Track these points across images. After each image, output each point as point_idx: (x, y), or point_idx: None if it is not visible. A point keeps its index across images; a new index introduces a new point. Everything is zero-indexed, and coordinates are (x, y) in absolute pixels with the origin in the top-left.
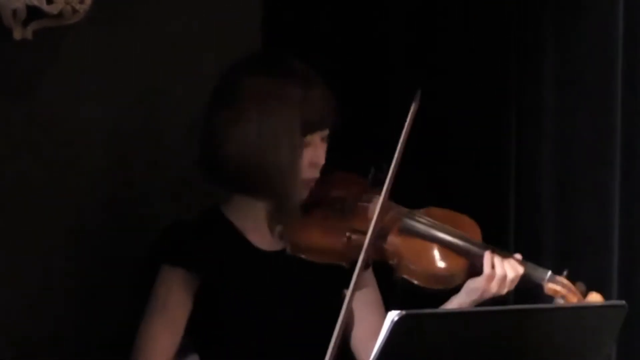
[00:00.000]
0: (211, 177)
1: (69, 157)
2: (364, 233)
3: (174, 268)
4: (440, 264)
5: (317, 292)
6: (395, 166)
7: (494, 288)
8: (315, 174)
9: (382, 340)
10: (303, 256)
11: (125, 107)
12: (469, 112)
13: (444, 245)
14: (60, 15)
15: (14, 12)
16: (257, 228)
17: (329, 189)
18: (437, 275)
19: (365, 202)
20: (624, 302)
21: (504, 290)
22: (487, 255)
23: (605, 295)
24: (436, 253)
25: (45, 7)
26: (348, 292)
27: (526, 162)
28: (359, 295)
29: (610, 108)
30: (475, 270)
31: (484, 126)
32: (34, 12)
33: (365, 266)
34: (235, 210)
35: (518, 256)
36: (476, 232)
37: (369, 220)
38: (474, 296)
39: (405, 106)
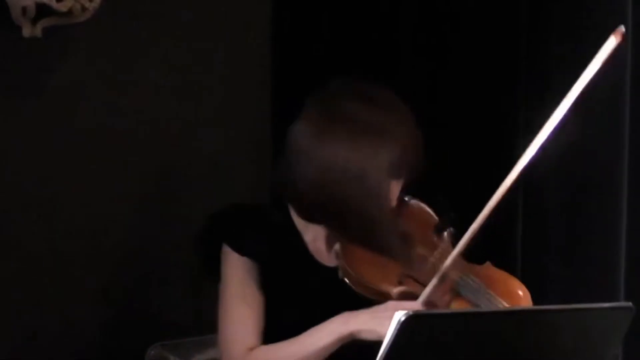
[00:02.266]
0: (284, 197)
1: (78, 154)
2: (418, 282)
3: (236, 253)
4: None
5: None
6: (476, 229)
7: None
8: None
9: (389, 341)
10: (351, 286)
11: (134, 104)
12: (476, 113)
13: None
14: (69, 13)
15: (24, 10)
16: (315, 240)
17: (397, 218)
18: None
19: (428, 248)
20: (630, 304)
21: None
22: None
23: (612, 297)
24: None
25: (54, 4)
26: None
27: (534, 164)
28: None
29: (619, 107)
30: None
31: (491, 126)
32: (43, 10)
33: None
34: (298, 217)
35: None
36: (523, 303)
37: (425, 271)
38: None
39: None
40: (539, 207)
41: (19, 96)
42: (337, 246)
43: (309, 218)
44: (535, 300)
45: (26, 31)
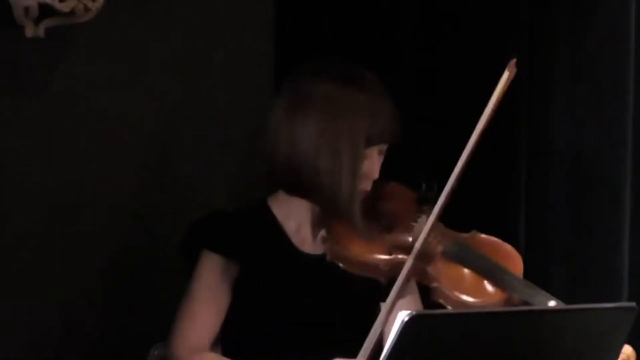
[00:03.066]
0: (268, 175)
1: (80, 155)
2: (407, 252)
3: (215, 255)
4: (477, 295)
5: (351, 302)
6: (447, 193)
7: None
8: (367, 186)
9: (392, 341)
10: (342, 265)
11: (138, 104)
12: (478, 113)
13: (483, 277)
14: (72, 13)
15: (26, 10)
16: (299, 229)
17: (378, 201)
18: (473, 306)
19: (413, 220)
20: (634, 304)
21: None
22: None
23: (616, 297)
24: (475, 284)
25: (57, 5)
26: (384, 309)
27: (537, 162)
28: (399, 304)
29: (622, 106)
30: (511, 303)
31: (493, 126)
32: (46, 10)
33: (405, 281)
34: (281, 207)
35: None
36: (517, 264)
37: (413, 239)
38: None
39: (414, 103)
40: (542, 206)
41: (22, 96)
42: (322, 232)
43: (294, 192)
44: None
45: (29, 31)
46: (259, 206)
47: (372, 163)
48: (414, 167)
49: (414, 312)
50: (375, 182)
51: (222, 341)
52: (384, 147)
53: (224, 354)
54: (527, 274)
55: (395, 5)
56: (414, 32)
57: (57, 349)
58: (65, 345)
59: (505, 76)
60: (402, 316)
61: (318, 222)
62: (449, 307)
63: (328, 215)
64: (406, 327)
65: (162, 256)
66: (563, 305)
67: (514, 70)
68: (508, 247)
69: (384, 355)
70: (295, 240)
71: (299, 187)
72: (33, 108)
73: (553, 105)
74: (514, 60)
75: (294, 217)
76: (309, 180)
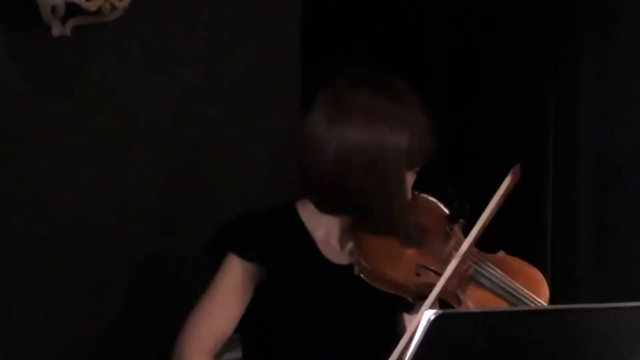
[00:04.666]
0: (302, 188)
1: (107, 154)
2: (435, 272)
3: (242, 259)
4: None
5: (374, 312)
6: (486, 218)
7: None
8: None
9: (418, 340)
10: (368, 281)
11: (165, 103)
12: (505, 114)
13: (510, 304)
14: (98, 12)
15: (53, 9)
16: (327, 237)
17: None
18: None
19: (444, 241)
20: None
21: None
22: None
23: None
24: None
25: (84, 4)
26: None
27: (563, 167)
28: None
29: None
30: None
31: (520, 128)
32: (72, 9)
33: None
34: (310, 214)
35: None
36: (544, 291)
37: (442, 260)
38: None
39: (440, 102)
40: (569, 213)
41: (48, 95)
42: (350, 244)
43: (328, 209)
44: (565, 301)
45: (55, 30)
46: (287, 210)
47: (408, 182)
48: (445, 181)
49: (440, 311)
50: None
51: (243, 344)
52: (419, 168)
53: (244, 353)
54: (554, 275)
55: (423, 8)
56: (442, 23)
57: (78, 349)
58: (79, 347)
59: (508, 181)
60: (428, 315)
61: (346, 233)
62: None
63: (357, 227)
64: (432, 326)
65: (185, 260)
66: (590, 304)
67: (518, 176)
68: (536, 272)
69: (410, 354)
70: (322, 248)
71: (331, 202)
72: (60, 107)
73: (580, 111)
74: (518, 165)
75: (323, 225)
76: (353, 196)
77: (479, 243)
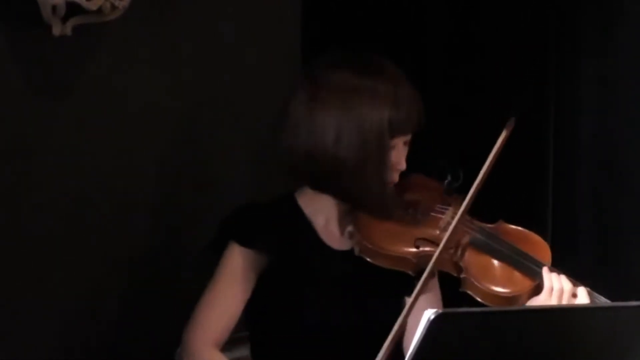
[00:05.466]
0: (290, 170)
1: (107, 153)
2: (434, 243)
3: (244, 248)
4: (507, 285)
5: (378, 296)
6: (477, 186)
7: (553, 302)
8: (395, 178)
9: (419, 339)
10: (369, 259)
11: (165, 102)
12: (505, 114)
13: (512, 266)
14: (99, 11)
15: (54, 8)
16: (327, 224)
17: (403, 192)
18: (502, 296)
19: (439, 212)
20: None
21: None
22: (546, 271)
23: None
24: (504, 273)
25: (84, 3)
26: (409, 301)
27: (563, 168)
28: (420, 300)
29: None
30: (539, 291)
31: (521, 127)
32: (73, 9)
33: (430, 275)
34: (309, 202)
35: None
36: (546, 253)
37: (440, 231)
38: None
39: (441, 102)
40: (569, 211)
41: (49, 95)
42: (349, 227)
43: (317, 187)
44: None
45: (56, 30)
46: (287, 200)
47: (399, 153)
48: (438, 156)
49: (440, 311)
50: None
51: (249, 333)
52: (409, 137)
53: (252, 346)
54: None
55: (423, 8)
56: (442, 23)
57: (82, 348)
58: (90, 346)
59: (503, 136)
60: (428, 314)
61: (345, 218)
62: (479, 299)
63: (355, 209)
64: (432, 325)
65: (186, 254)
66: (591, 303)
67: (510, 130)
68: (535, 236)
69: (411, 353)
70: (323, 235)
71: (321, 182)
72: (60, 106)
73: (580, 112)
74: (513, 119)
75: (322, 212)
76: (332, 174)
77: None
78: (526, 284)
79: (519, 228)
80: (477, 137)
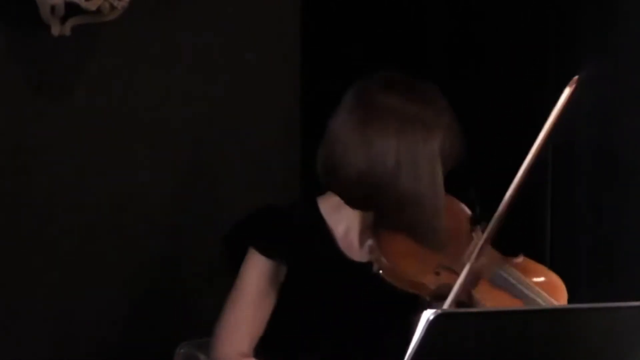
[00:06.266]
0: (333, 189)
1: (106, 153)
2: (455, 273)
3: (265, 257)
4: None
5: (391, 315)
6: (499, 218)
7: None
8: None
9: (418, 340)
10: (386, 278)
11: (165, 102)
12: (505, 113)
13: (526, 304)
14: (98, 11)
15: (53, 9)
16: (347, 234)
17: None
18: None
19: (465, 242)
20: None
21: None
22: None
23: None
24: None
25: (83, 3)
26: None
27: (562, 167)
28: None
29: None
30: None
31: (520, 126)
32: (72, 9)
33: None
34: (331, 210)
35: None
36: (562, 294)
37: (462, 262)
38: None
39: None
40: (568, 218)
41: (48, 95)
42: (370, 241)
43: (358, 206)
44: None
45: (55, 30)
46: (308, 206)
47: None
48: (468, 185)
49: (439, 311)
50: None
51: (260, 341)
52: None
53: (262, 352)
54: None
55: (423, 8)
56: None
57: (85, 348)
58: (91, 344)
59: (567, 94)
60: (428, 314)
61: (366, 230)
62: None
63: (379, 224)
64: (431, 326)
65: (186, 254)
66: (591, 304)
67: (574, 87)
68: (555, 276)
69: (409, 354)
70: (342, 244)
71: (372, 203)
72: (59, 107)
73: (579, 110)
74: (577, 77)
75: (344, 221)
76: (387, 196)
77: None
78: None
79: (540, 266)
80: (478, 137)
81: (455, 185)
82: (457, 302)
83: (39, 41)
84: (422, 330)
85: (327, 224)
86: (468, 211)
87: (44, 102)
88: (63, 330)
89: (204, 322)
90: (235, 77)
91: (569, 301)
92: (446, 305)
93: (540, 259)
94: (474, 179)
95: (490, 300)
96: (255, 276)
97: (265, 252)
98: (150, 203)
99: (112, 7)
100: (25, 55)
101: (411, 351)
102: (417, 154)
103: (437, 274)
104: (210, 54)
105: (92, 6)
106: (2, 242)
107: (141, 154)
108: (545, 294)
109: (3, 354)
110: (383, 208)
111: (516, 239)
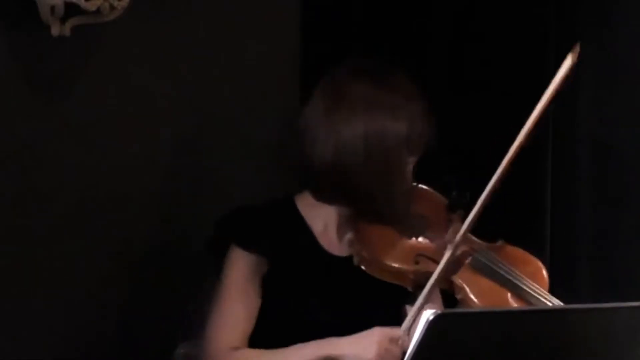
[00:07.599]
0: (300, 178)
1: (107, 153)
2: (434, 261)
3: (246, 252)
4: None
5: (374, 306)
6: (482, 205)
7: None
8: None
9: (417, 340)
10: (367, 271)
11: (165, 102)
12: (504, 105)
13: (510, 291)
14: (98, 12)
15: (52, 9)
16: (325, 230)
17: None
18: None
19: (443, 229)
20: None
21: None
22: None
23: None
24: (500, 297)
25: (83, 3)
26: (410, 314)
27: (562, 165)
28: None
29: None
30: None
31: (519, 118)
32: (72, 9)
33: (429, 294)
34: (308, 207)
35: None
36: (543, 280)
37: (442, 249)
38: None
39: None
40: (567, 212)
41: (48, 95)
42: (349, 234)
43: (327, 198)
44: (565, 300)
45: (55, 30)
46: (286, 203)
47: (408, 175)
48: (444, 172)
49: (439, 311)
50: None
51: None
52: (416, 159)
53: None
54: (554, 279)
55: (424, 7)
56: (445, 35)
57: (84, 348)
58: (91, 345)
59: (569, 61)
60: (427, 315)
61: (344, 224)
62: None
63: (356, 218)
64: (431, 326)
65: (188, 254)
66: (589, 304)
67: (577, 55)
68: (535, 261)
69: (409, 354)
70: (322, 240)
71: (340, 194)
72: (59, 107)
73: (579, 102)
74: (579, 44)
75: (321, 217)
76: (355, 186)
77: (478, 234)
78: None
79: (521, 251)
80: (477, 138)
81: (433, 170)
82: (443, 293)
83: (39, 41)
84: (422, 330)
85: (305, 220)
86: (443, 199)
87: (44, 102)
88: (62, 330)
89: (204, 323)
90: (235, 76)
91: (569, 301)
92: (425, 290)
93: (540, 258)
94: (468, 162)
95: (472, 285)
96: (237, 270)
97: (244, 245)
98: (151, 203)
99: (112, 8)
100: (25, 55)
101: (411, 351)
102: (385, 140)
103: (417, 262)
104: (210, 53)
105: (92, 6)
106: (2, 242)
107: (141, 154)
108: (526, 278)
109: (3, 354)
110: (354, 200)
111: (516, 238)
